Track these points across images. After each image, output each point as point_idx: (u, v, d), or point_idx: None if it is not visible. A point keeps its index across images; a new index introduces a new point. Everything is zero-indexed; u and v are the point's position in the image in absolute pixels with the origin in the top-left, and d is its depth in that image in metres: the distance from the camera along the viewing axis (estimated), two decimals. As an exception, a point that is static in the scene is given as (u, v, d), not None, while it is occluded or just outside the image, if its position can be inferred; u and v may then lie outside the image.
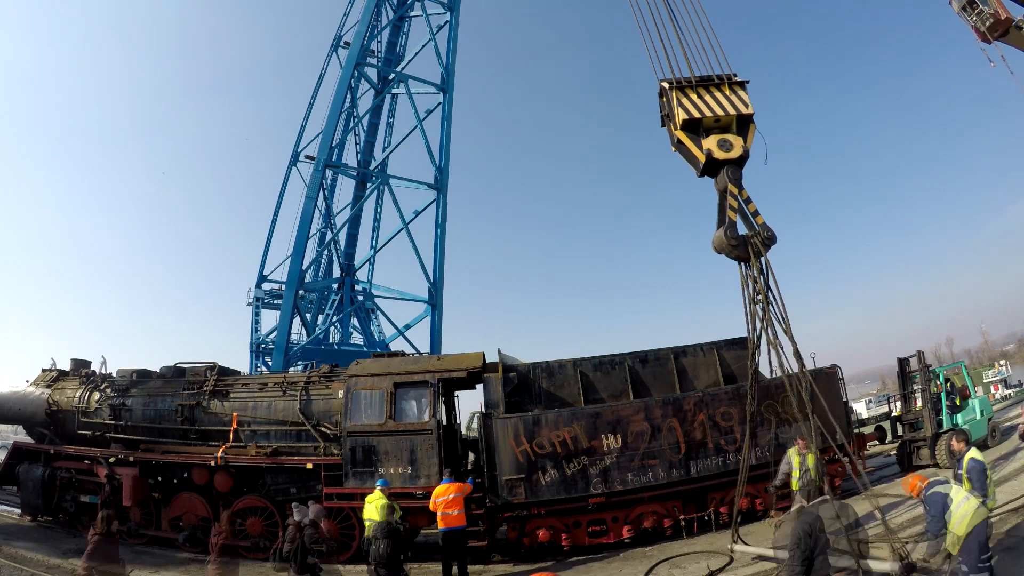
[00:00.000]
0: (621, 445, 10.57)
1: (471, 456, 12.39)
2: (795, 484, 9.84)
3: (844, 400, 12.34)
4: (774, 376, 11.76)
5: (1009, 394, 29.24)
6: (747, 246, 8.20)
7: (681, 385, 11.52)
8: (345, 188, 31.71)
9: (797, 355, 8.26)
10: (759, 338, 8.46)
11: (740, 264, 8.45)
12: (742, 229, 8.45)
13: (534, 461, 10.44)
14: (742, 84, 8.49)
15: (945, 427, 13.53)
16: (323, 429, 11.40)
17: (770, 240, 8.18)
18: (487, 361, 11.60)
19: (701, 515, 10.75)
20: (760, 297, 8.25)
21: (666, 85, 8.59)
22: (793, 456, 9.99)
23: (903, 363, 15.49)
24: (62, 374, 13.68)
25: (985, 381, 27.98)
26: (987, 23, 16.57)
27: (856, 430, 14.38)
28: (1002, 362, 45.07)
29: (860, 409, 33.76)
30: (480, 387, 12.73)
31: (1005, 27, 16.58)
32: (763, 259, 8.18)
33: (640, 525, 10.71)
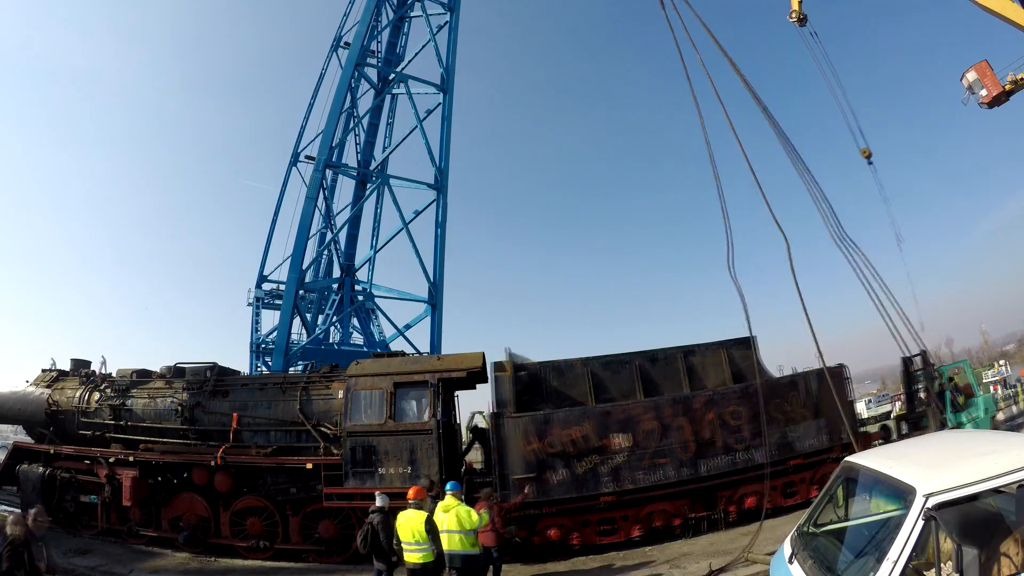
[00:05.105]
0: (631, 444, 10.59)
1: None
2: None
3: (851, 399, 12.40)
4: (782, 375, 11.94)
5: (1009, 394, 29.29)
6: None
7: (690, 384, 11.55)
8: (345, 188, 31.79)
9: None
10: None
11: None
12: None
13: (544, 460, 10.44)
14: None
15: (949, 425, 13.55)
16: (323, 429, 11.39)
17: None
18: (497, 360, 11.53)
19: (710, 514, 10.76)
20: None
21: None
22: None
23: (907, 362, 15.53)
24: (62, 374, 13.67)
25: (984, 381, 28.04)
26: (988, 101, 20.21)
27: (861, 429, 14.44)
28: (1001, 362, 45.13)
29: (860, 409, 33.80)
30: (480, 387, 12.74)
31: (1001, 96, 20.13)
32: None
33: (650, 524, 10.72)
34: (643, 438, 10.63)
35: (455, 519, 7.41)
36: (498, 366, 11.30)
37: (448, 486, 7.88)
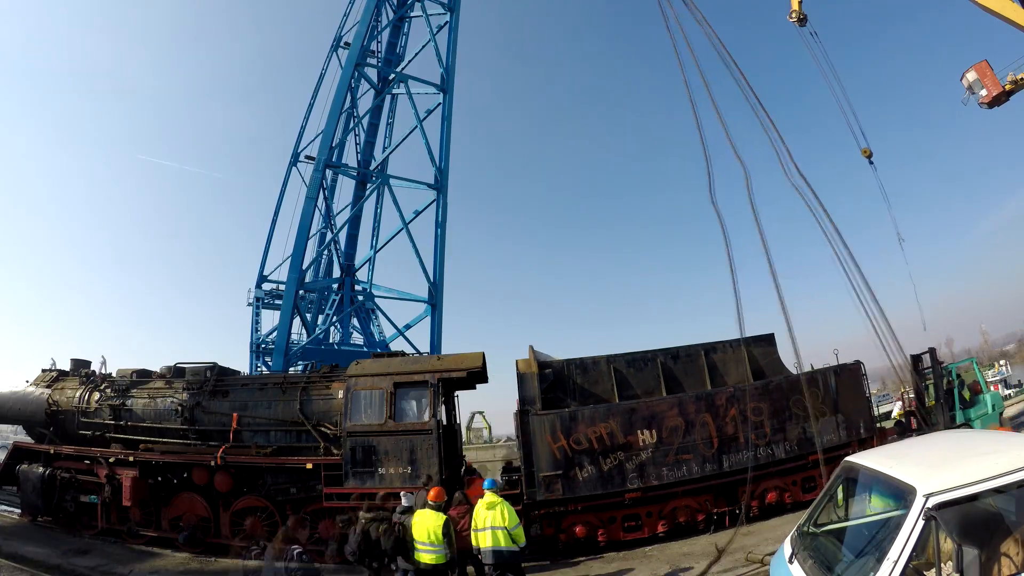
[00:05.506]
0: (656, 440, 10.66)
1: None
2: None
3: (867, 395, 12.48)
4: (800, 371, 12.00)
5: (1009, 394, 29.28)
6: None
7: (712, 381, 11.66)
8: (345, 188, 31.78)
9: None
10: None
11: None
12: None
13: (571, 457, 10.49)
14: None
15: (958, 421, 13.66)
16: (323, 429, 11.39)
17: None
18: (521, 359, 11.52)
19: (732, 509, 10.82)
20: None
21: None
22: None
23: (916, 360, 15.65)
24: (62, 374, 13.67)
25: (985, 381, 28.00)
26: (988, 100, 20.46)
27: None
28: (1002, 362, 45.19)
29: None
30: (480, 387, 12.73)
31: (1002, 96, 20.45)
32: None
33: (674, 519, 10.78)
34: (668, 434, 10.71)
35: (500, 515, 7.34)
36: (521, 364, 11.30)
37: (486, 484, 7.88)
